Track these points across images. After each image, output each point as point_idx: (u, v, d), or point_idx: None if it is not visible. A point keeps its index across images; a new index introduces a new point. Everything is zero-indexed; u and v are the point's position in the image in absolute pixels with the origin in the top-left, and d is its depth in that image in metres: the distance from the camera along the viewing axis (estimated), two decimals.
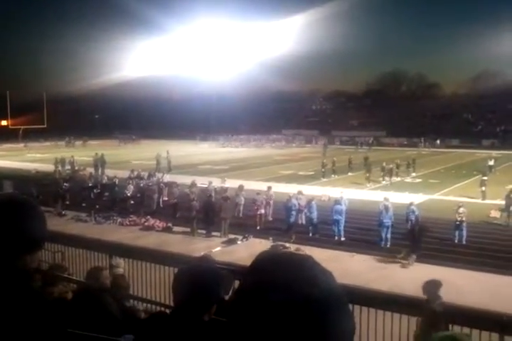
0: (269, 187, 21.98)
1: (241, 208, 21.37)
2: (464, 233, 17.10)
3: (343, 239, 17.69)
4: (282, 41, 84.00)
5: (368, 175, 30.89)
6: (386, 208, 17.39)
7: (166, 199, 24.06)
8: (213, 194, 22.30)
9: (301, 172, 36.74)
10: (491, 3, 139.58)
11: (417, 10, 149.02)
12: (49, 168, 35.72)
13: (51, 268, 5.75)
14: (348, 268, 13.78)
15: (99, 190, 24.96)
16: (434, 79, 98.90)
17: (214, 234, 18.42)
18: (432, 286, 7.45)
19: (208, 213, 18.76)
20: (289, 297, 0.86)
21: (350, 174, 34.81)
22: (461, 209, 17.35)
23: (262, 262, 0.95)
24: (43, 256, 9.67)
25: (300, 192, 20.84)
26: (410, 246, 15.32)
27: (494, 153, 46.11)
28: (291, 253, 0.99)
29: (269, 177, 32.44)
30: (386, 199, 18.63)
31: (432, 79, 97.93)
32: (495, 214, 20.54)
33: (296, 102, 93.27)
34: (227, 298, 4.47)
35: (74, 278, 4.92)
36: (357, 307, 6.36)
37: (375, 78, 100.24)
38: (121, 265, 8.06)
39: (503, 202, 20.60)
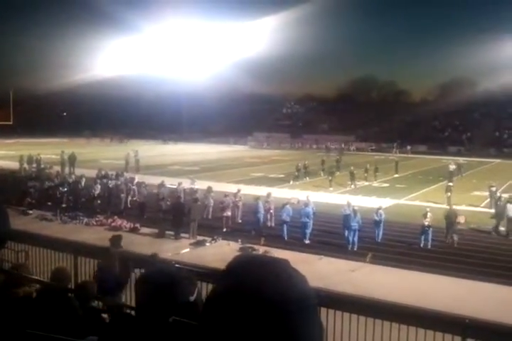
0: (239, 190, 21.98)
1: (210, 210, 21.29)
2: (430, 238, 17.40)
3: (307, 241, 17.79)
4: (255, 43, 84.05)
5: (330, 178, 31.23)
6: (354, 212, 17.57)
7: (135, 199, 23.75)
8: (182, 195, 22.17)
9: (271, 175, 36.85)
10: (461, 14, 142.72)
11: (389, 18, 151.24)
12: (15, 165, 35.04)
13: (14, 267, 5.61)
14: (316, 270, 13.85)
15: (65, 189, 24.52)
16: (403, 86, 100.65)
17: (182, 235, 18.29)
18: (116, 239, 10.76)
19: (177, 214, 18.62)
20: (263, 300, 0.86)
21: (320, 177, 35.09)
22: (428, 214, 17.65)
23: (238, 264, 0.94)
24: (6, 256, 9.45)
25: (268, 195, 20.90)
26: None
27: (461, 159, 46.99)
28: (266, 256, 0.98)
29: (240, 179, 32.43)
30: (348, 203, 18.86)
31: (401, 86, 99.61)
32: (460, 219, 20.90)
33: (267, 105, 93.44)
34: (191, 299, 4.43)
35: (37, 278, 4.81)
36: (330, 311, 6.40)
37: (346, 83, 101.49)
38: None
39: (468, 208, 20.94)
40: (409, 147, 64.83)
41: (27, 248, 10.63)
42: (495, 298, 12.50)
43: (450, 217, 18.25)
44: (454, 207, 20.10)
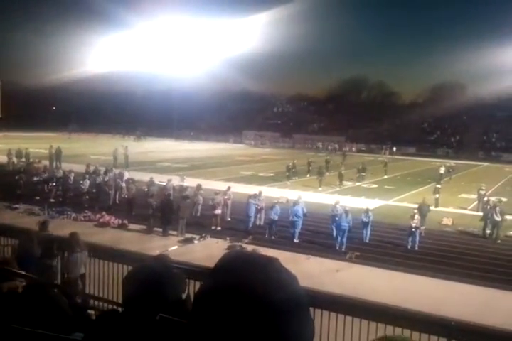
0: (229, 188, 21.92)
1: (199, 207, 21.22)
2: (417, 239, 17.48)
3: (296, 240, 17.82)
4: (246, 40, 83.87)
5: (320, 178, 31.31)
6: (346, 212, 17.61)
7: (123, 195, 23.62)
8: (172, 192, 22.08)
9: (261, 174, 36.84)
10: (454, 18, 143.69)
11: (382, 19, 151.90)
12: (3, 159, 34.75)
13: (0, 262, 5.54)
14: (304, 270, 13.86)
15: (53, 184, 24.33)
16: (393, 88, 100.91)
17: (171, 232, 18.23)
18: (44, 224, 11.18)
19: (166, 211, 18.55)
20: (253, 299, 0.84)
21: (309, 177, 35.15)
22: (416, 216, 17.73)
23: (228, 262, 0.93)
24: None
25: (259, 193, 20.88)
26: None
27: (452, 162, 47.20)
28: (257, 254, 0.97)
29: (229, 178, 32.39)
30: (337, 202, 18.92)
31: (391, 88, 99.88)
32: (447, 221, 21.09)
33: (258, 103, 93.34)
34: (183, 297, 4.42)
35: (23, 272, 4.76)
36: (317, 311, 6.39)
37: (337, 83, 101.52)
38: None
39: (455, 210, 21.04)
40: (394, 148, 65.25)
41: (13, 242, 10.53)
42: (481, 300, 12.60)
43: (422, 209, 19.27)
44: (442, 209, 20.26)
